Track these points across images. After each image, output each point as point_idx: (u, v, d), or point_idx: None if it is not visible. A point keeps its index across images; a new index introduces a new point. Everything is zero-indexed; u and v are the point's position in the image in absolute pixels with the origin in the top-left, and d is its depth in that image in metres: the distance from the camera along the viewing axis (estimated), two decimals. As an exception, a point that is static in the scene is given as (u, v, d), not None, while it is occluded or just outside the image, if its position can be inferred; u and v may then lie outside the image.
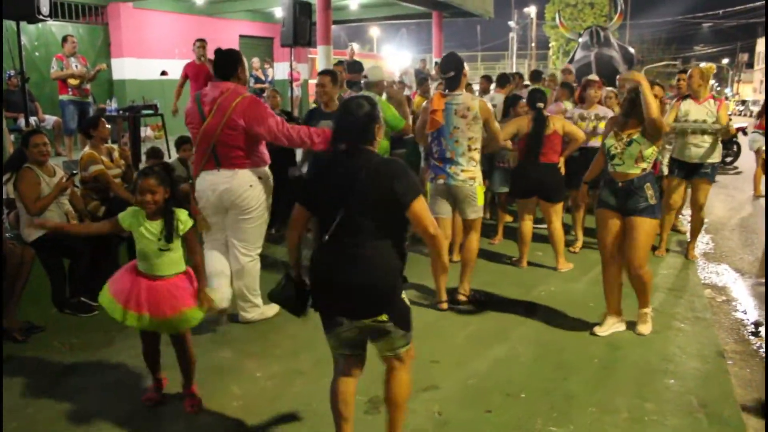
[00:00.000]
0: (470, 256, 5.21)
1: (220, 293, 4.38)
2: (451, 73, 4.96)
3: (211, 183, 4.43)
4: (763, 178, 10.45)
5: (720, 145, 6.23)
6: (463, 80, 5.04)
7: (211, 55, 5.00)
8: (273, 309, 4.75)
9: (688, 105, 6.16)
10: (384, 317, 2.72)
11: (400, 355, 2.87)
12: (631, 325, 4.68)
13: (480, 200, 5.10)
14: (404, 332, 2.82)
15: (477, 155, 4.99)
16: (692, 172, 6.21)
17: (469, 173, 4.96)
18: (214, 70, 4.52)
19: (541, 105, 5.87)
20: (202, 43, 9.19)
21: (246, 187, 4.41)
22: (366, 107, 2.75)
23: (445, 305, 5.06)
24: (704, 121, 6.03)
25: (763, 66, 54.77)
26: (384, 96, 6.54)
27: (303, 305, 2.96)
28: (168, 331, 3.50)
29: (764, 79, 39.05)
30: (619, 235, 4.54)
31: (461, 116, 4.91)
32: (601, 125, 6.45)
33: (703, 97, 6.14)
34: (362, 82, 6.23)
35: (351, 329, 2.81)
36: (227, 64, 4.43)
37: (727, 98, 42.07)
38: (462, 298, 5.18)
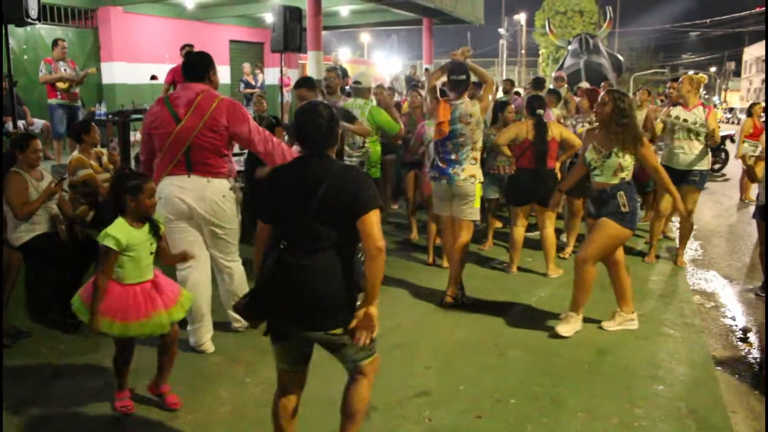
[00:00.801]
0: (456, 257, 5.30)
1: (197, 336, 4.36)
2: (463, 76, 5.17)
3: (179, 189, 4.15)
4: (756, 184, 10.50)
5: (709, 153, 6.29)
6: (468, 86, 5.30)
7: None
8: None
9: (677, 111, 6.25)
10: (338, 330, 2.63)
11: (360, 368, 2.77)
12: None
13: (476, 202, 5.24)
14: (363, 345, 2.67)
15: (477, 154, 5.24)
16: (681, 179, 6.23)
17: (470, 171, 5.19)
18: (184, 72, 4.33)
19: (541, 111, 5.94)
20: (190, 48, 9.15)
21: (219, 197, 4.22)
22: (326, 112, 2.68)
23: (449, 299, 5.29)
24: (694, 127, 6.09)
25: (749, 74, 55.29)
26: (374, 101, 6.57)
27: (258, 315, 2.76)
28: (164, 329, 3.45)
29: (764, 85, 39.32)
30: None
31: (465, 123, 5.12)
32: None
33: (693, 104, 6.21)
34: (350, 87, 6.23)
35: (299, 342, 2.75)
36: (199, 65, 4.27)
37: (715, 106, 42.48)
38: (448, 300, 5.26)
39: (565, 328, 4.65)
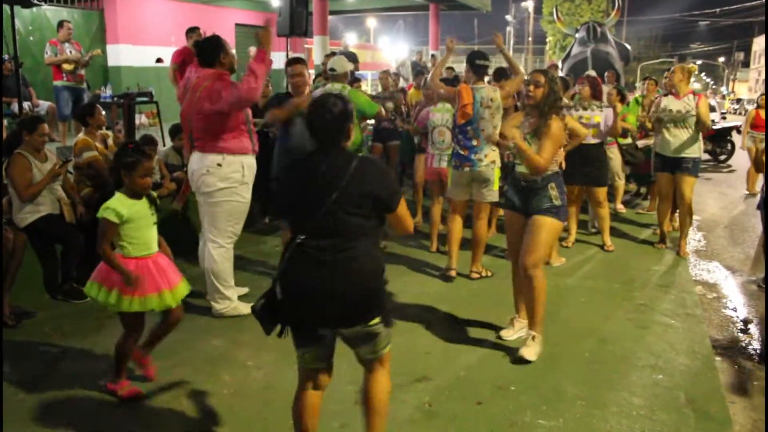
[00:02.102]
0: (480, 237, 5.62)
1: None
2: (486, 62, 5.39)
3: (189, 166, 4.65)
4: (760, 176, 10.51)
5: (700, 140, 6.39)
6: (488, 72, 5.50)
7: None
8: (248, 307, 4.71)
9: (668, 101, 6.37)
10: (377, 320, 2.63)
11: (382, 357, 2.77)
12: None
13: (496, 184, 5.47)
14: (389, 330, 2.72)
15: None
16: (675, 167, 6.37)
17: (491, 157, 5.35)
18: (197, 58, 4.52)
19: None
20: (197, 31, 9.11)
21: (203, 171, 4.46)
22: (340, 105, 2.64)
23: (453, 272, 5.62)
24: (685, 116, 6.21)
25: (758, 65, 54.91)
26: (380, 88, 6.57)
27: (273, 321, 2.69)
28: (177, 300, 3.54)
29: (764, 76, 39.08)
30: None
31: (486, 107, 5.28)
32: (596, 119, 6.49)
33: (684, 93, 6.30)
34: (330, 74, 6.23)
35: (331, 340, 2.72)
36: (208, 50, 4.44)
37: (724, 96, 42.24)
38: (475, 275, 5.61)
39: (530, 351, 4.08)
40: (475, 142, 5.32)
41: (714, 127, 12.88)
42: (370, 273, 2.59)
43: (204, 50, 4.47)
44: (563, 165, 4.27)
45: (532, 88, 4.05)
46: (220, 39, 4.53)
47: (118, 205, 3.35)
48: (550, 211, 4.10)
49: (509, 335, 4.41)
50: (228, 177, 4.50)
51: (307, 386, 2.78)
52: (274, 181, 3.41)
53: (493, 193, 5.50)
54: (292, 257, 2.56)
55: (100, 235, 3.34)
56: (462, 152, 5.37)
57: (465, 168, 5.36)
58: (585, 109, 6.59)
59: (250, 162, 4.61)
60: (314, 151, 2.65)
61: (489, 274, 5.68)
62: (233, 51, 4.60)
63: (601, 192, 6.65)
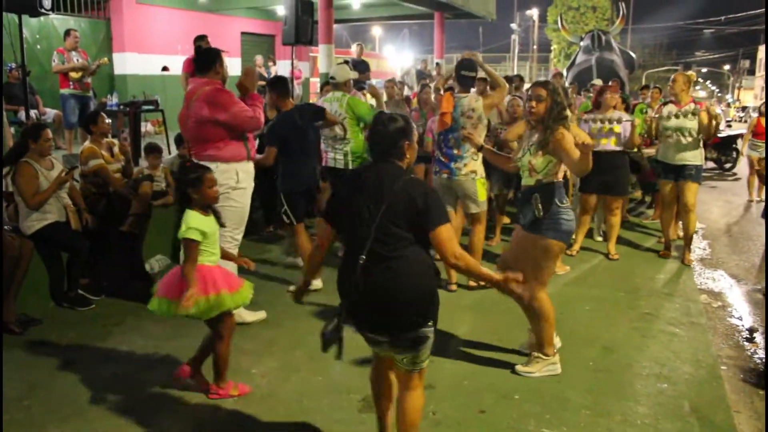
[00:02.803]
0: (477, 247, 5.60)
1: None
2: (473, 73, 5.34)
3: None
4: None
5: (702, 148, 6.39)
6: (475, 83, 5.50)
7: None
8: (253, 315, 4.74)
9: (669, 109, 6.37)
10: (429, 324, 2.72)
11: (421, 370, 2.83)
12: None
13: (481, 195, 5.42)
14: (433, 339, 2.78)
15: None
16: (678, 174, 6.38)
17: (471, 167, 5.31)
18: (194, 64, 4.61)
19: None
20: (205, 39, 9.17)
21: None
22: (399, 123, 2.78)
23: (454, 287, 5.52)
24: (685, 124, 6.21)
25: (763, 73, 54.82)
26: (371, 100, 6.62)
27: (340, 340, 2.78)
28: (246, 300, 3.67)
29: (765, 85, 38.99)
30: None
31: (467, 117, 5.25)
32: (616, 129, 6.50)
33: (685, 102, 6.30)
34: (330, 82, 6.26)
35: (390, 345, 2.77)
36: (201, 60, 4.53)
37: (729, 104, 42.15)
38: (472, 284, 5.50)
39: (526, 368, 4.03)
40: (456, 151, 5.32)
41: (719, 135, 12.86)
42: (422, 275, 2.68)
43: (202, 58, 4.55)
44: (567, 175, 4.20)
45: (534, 103, 3.89)
46: (216, 51, 4.60)
47: (198, 223, 3.42)
48: (533, 226, 3.91)
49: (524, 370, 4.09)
50: (221, 184, 4.50)
51: (378, 361, 2.99)
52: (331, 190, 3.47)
53: (480, 203, 5.47)
54: (354, 271, 2.64)
55: (187, 255, 3.39)
56: (442, 159, 5.40)
57: (443, 174, 5.38)
58: (603, 122, 6.57)
59: (245, 168, 4.58)
60: (370, 165, 2.83)
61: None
62: (239, 59, 4.68)
63: (618, 201, 6.67)
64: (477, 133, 5.14)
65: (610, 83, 10.46)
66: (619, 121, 6.55)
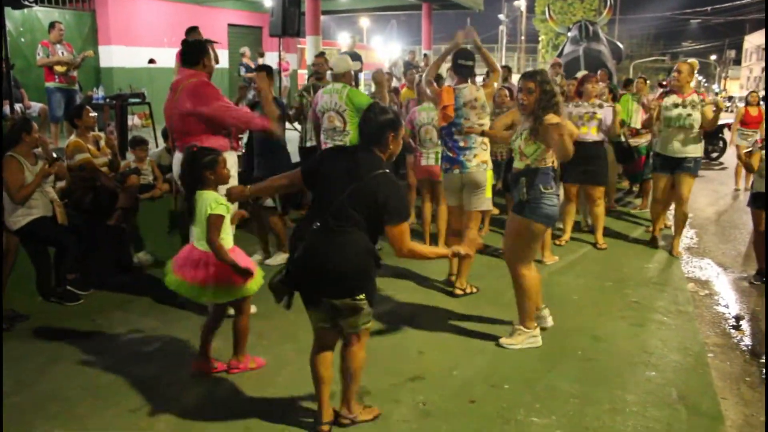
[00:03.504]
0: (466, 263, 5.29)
1: None
2: (471, 62, 5.18)
3: (173, 166, 4.75)
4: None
5: (702, 140, 6.31)
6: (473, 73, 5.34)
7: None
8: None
9: (673, 99, 6.25)
10: (362, 296, 2.98)
11: (360, 333, 3.12)
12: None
13: (488, 191, 5.22)
14: (371, 310, 3.08)
15: (487, 140, 5.14)
16: (676, 166, 6.30)
17: (481, 157, 5.14)
18: (181, 59, 4.62)
19: None
20: (197, 31, 9.12)
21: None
22: (389, 115, 3.03)
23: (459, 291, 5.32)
24: (689, 115, 6.11)
25: (749, 63, 55.12)
26: (373, 88, 6.56)
27: (283, 292, 3.12)
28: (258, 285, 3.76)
29: (764, 74, 39.13)
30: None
31: (471, 107, 5.07)
32: (597, 116, 6.51)
33: (687, 92, 6.21)
34: (329, 73, 6.22)
35: (329, 307, 3.03)
36: (192, 53, 4.53)
37: (717, 94, 42.38)
38: (458, 292, 5.27)
39: (510, 340, 4.28)
40: (462, 143, 5.10)
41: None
42: (360, 255, 2.94)
43: (189, 50, 4.54)
44: (554, 163, 4.22)
45: (524, 96, 4.06)
46: (203, 43, 4.62)
47: (220, 198, 3.57)
48: (517, 208, 4.17)
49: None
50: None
51: (318, 343, 3.22)
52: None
53: (486, 201, 5.23)
54: (310, 235, 2.95)
55: (215, 231, 3.52)
56: (450, 154, 5.16)
57: (455, 170, 5.13)
58: (586, 107, 6.58)
59: (228, 157, 4.55)
60: (353, 148, 3.14)
61: (474, 290, 5.34)
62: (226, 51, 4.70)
63: (599, 190, 6.67)
64: (482, 120, 5.06)
65: (598, 73, 10.50)
66: (600, 107, 6.57)
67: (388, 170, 3.00)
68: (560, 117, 3.97)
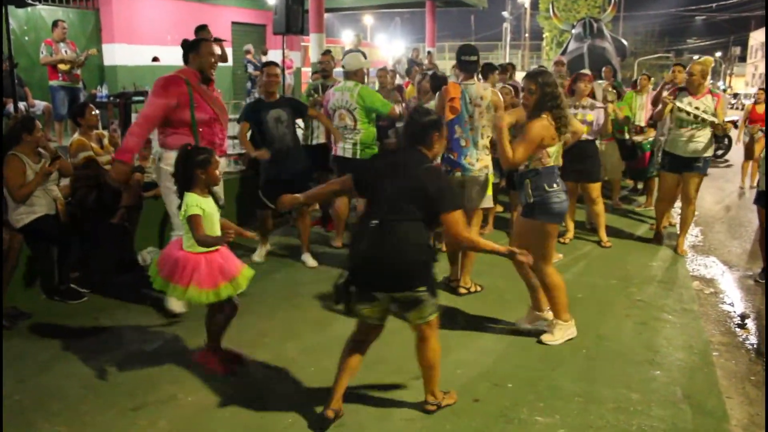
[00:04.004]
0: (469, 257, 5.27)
1: None
2: (474, 57, 5.15)
3: None
4: (756, 171, 10.57)
5: (713, 140, 6.21)
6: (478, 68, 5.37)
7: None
8: (176, 305, 4.60)
9: (688, 100, 6.10)
10: (422, 288, 3.07)
11: (430, 322, 3.20)
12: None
13: (489, 189, 5.25)
14: (435, 300, 3.17)
15: (488, 142, 5.12)
16: (685, 166, 6.21)
17: (484, 162, 5.11)
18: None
19: None
20: (208, 30, 9.13)
21: (156, 163, 4.77)
22: (433, 116, 3.30)
23: (463, 290, 5.27)
24: (702, 117, 6.00)
25: (755, 60, 54.90)
26: (376, 85, 6.54)
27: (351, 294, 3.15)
28: (235, 290, 3.69)
29: (764, 70, 39.00)
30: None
31: (475, 105, 5.02)
32: (589, 117, 6.48)
33: (701, 93, 6.10)
34: (342, 71, 6.19)
35: (384, 302, 3.12)
36: (185, 50, 4.67)
37: (725, 90, 42.25)
38: (462, 291, 5.23)
39: (549, 337, 4.31)
40: (463, 143, 5.04)
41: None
42: (418, 248, 3.07)
43: (184, 50, 4.69)
44: (551, 162, 4.18)
45: (525, 96, 4.15)
46: (195, 42, 4.69)
47: (198, 201, 3.54)
48: (526, 210, 4.24)
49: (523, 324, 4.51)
50: (164, 169, 4.52)
51: (358, 336, 3.30)
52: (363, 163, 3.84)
53: (486, 198, 5.22)
54: (366, 232, 3.07)
55: (196, 229, 3.50)
56: (451, 156, 5.06)
57: (456, 173, 5.05)
58: (578, 107, 6.55)
59: None
60: (400, 149, 3.33)
61: (478, 288, 5.31)
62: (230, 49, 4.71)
63: (595, 188, 6.64)
64: (485, 121, 5.02)
65: (602, 70, 10.46)
66: (591, 108, 6.53)
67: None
68: (552, 124, 4.05)
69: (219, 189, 4.47)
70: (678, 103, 6.10)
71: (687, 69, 6.30)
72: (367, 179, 3.26)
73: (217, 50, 9.25)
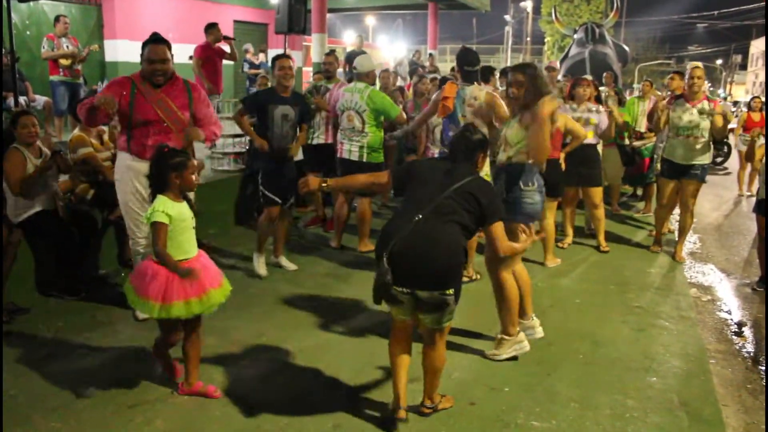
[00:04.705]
0: (471, 244, 5.41)
1: None
2: (476, 67, 5.20)
3: None
4: (755, 179, 10.59)
5: (711, 147, 6.23)
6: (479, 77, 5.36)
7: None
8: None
9: (683, 106, 6.13)
10: (450, 291, 3.04)
11: (442, 329, 3.21)
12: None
13: None
14: (454, 307, 3.14)
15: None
16: (683, 173, 6.22)
17: (484, 170, 5.02)
18: None
19: None
20: (218, 28, 9.19)
21: None
22: (481, 136, 3.37)
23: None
24: (698, 123, 6.02)
25: (755, 68, 54.98)
26: (378, 86, 6.53)
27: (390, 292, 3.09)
28: (207, 309, 3.44)
29: (764, 77, 39.06)
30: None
31: (468, 105, 5.08)
32: (592, 121, 6.49)
33: (698, 99, 6.10)
34: (353, 72, 6.17)
35: (410, 304, 3.12)
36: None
37: (725, 99, 42.30)
38: (465, 279, 5.20)
39: (495, 352, 4.12)
40: None
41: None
42: (457, 248, 3.07)
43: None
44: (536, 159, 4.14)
45: (514, 88, 4.00)
46: (143, 46, 4.38)
47: (165, 206, 3.34)
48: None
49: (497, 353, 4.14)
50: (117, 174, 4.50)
51: (397, 332, 3.32)
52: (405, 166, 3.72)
53: None
54: (399, 225, 3.07)
55: (156, 239, 3.32)
56: (446, 151, 5.03)
57: None
58: (580, 111, 6.57)
59: (121, 158, 4.46)
60: (446, 160, 3.37)
61: (477, 277, 5.46)
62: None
63: (597, 193, 6.63)
64: (477, 122, 4.97)
65: (603, 76, 10.48)
66: (597, 112, 6.54)
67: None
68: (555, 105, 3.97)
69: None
70: (674, 119, 6.15)
71: (688, 74, 6.24)
72: (407, 179, 3.30)
73: (227, 48, 9.27)
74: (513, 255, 3.26)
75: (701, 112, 6.00)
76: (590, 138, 6.48)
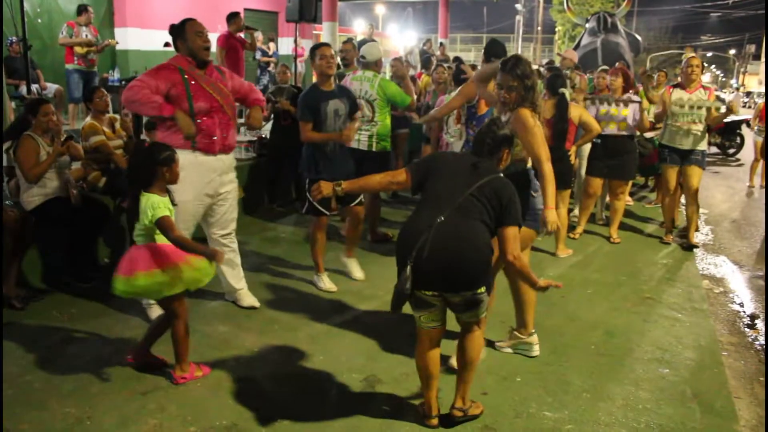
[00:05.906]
0: None
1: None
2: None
3: None
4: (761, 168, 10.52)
5: (707, 134, 6.38)
6: None
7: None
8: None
9: (679, 94, 6.30)
10: (482, 289, 2.99)
11: (479, 321, 3.16)
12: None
13: None
14: (488, 298, 3.08)
15: None
16: (683, 158, 6.36)
17: None
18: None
19: (564, 90, 5.83)
20: (239, 18, 9.23)
21: None
22: (507, 132, 3.21)
23: None
24: (695, 110, 6.20)
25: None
26: (388, 75, 6.50)
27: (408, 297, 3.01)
28: (208, 275, 3.50)
29: (764, 77, 38.77)
30: None
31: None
32: (624, 112, 6.48)
33: (694, 87, 6.27)
34: (360, 61, 6.13)
35: (440, 306, 3.06)
36: (173, 36, 4.36)
37: (737, 89, 41.97)
38: None
39: (503, 344, 4.15)
40: None
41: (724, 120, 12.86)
42: (484, 246, 2.96)
43: (170, 34, 4.39)
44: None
45: (505, 93, 3.72)
46: (179, 25, 4.31)
47: (162, 201, 3.36)
48: None
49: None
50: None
51: (425, 343, 3.18)
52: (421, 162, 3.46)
53: None
54: (420, 228, 2.95)
55: (168, 230, 3.31)
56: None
57: None
58: (609, 103, 6.55)
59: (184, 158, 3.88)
60: (471, 155, 3.19)
61: None
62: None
63: (623, 185, 6.64)
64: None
65: (615, 66, 10.39)
66: (627, 102, 6.52)
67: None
68: (535, 114, 3.71)
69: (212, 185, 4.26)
70: (675, 95, 6.31)
71: (685, 62, 6.43)
72: (427, 176, 3.13)
73: (247, 38, 9.24)
74: (516, 263, 2.99)
75: (698, 100, 6.18)
76: (622, 129, 6.48)
